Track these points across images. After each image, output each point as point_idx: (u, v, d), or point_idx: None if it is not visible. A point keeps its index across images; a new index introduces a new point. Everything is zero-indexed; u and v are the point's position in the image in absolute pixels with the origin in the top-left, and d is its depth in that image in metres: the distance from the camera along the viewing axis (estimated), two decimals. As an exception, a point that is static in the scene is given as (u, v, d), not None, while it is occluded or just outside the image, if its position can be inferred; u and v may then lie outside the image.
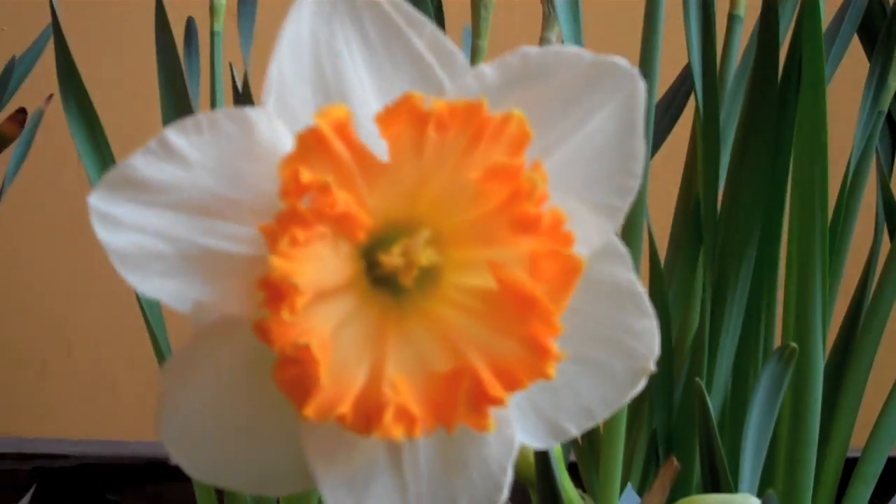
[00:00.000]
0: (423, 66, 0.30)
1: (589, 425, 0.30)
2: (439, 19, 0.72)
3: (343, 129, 0.26)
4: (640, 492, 0.54)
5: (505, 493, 0.28)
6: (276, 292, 0.25)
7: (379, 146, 0.27)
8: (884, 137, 0.71)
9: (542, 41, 0.79)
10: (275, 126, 0.28)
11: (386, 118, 0.27)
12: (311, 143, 0.26)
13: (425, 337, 0.28)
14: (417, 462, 0.29)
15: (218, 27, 0.75)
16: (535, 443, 0.30)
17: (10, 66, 0.78)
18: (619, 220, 0.30)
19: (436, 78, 0.30)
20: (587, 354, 0.30)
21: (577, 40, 0.61)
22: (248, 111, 0.27)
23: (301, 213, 0.25)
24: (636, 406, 0.61)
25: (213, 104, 0.74)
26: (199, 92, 0.76)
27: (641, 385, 0.30)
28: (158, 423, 0.28)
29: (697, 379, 0.50)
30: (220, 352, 0.27)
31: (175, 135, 0.26)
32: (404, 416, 0.26)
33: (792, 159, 0.56)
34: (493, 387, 0.27)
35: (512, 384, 0.27)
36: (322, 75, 0.29)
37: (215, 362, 0.28)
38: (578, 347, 0.30)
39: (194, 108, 0.73)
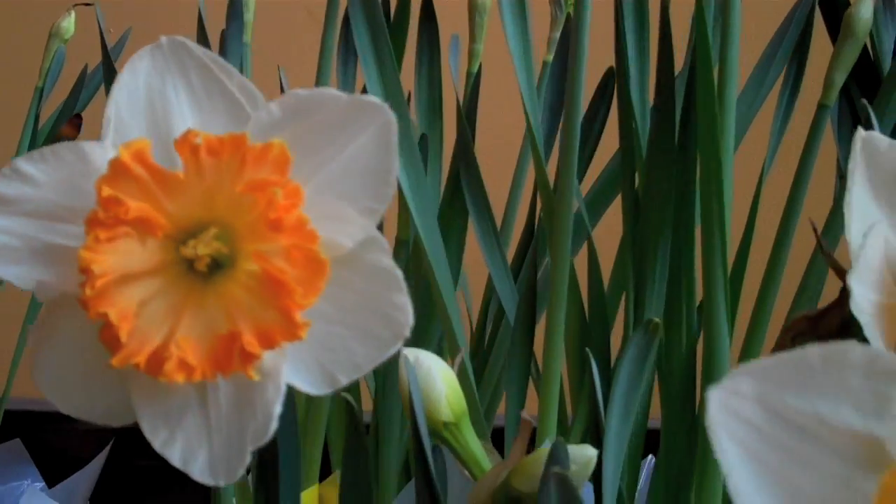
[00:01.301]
0: (235, 104, 0.40)
1: (356, 376, 0.40)
2: (431, 26, 0.81)
3: (141, 156, 0.37)
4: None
5: (274, 424, 0.38)
6: (84, 276, 0.36)
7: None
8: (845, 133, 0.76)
9: (550, 42, 0.87)
10: (107, 154, 0.38)
11: (177, 147, 0.37)
12: (116, 168, 0.37)
13: (215, 308, 0.38)
14: (218, 402, 0.39)
15: (247, 38, 0.87)
16: (315, 390, 0.39)
17: (83, 74, 0.91)
18: (378, 219, 0.40)
19: (245, 113, 0.40)
20: (360, 322, 0.40)
21: (524, 40, 0.69)
22: (83, 144, 0.38)
23: (101, 219, 0.36)
24: (580, 381, 0.69)
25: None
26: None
27: (399, 346, 0.40)
28: (33, 374, 0.39)
29: (587, 349, 0.58)
30: (67, 318, 0.38)
31: (24, 163, 0.37)
32: (184, 365, 0.37)
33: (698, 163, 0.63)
34: (253, 345, 0.37)
35: (269, 344, 0.37)
36: (154, 115, 0.40)
37: (65, 325, 0.39)
38: (353, 317, 0.40)
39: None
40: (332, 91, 0.39)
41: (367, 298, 0.40)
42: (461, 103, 0.82)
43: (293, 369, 0.39)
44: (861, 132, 0.40)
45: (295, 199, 0.37)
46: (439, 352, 0.72)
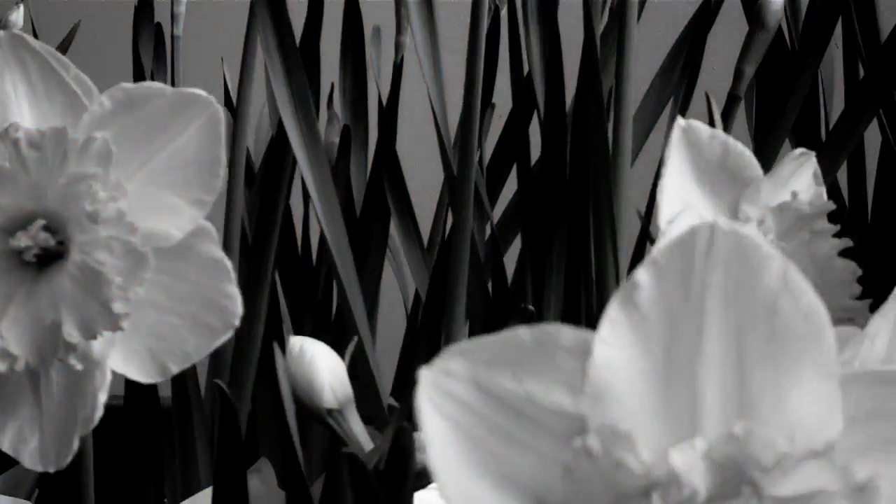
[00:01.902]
0: (73, 96, 0.41)
1: (186, 365, 0.41)
2: (355, 19, 0.83)
3: (-35, 151, 0.38)
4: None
5: (100, 412, 0.39)
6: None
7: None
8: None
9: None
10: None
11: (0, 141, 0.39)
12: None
13: (43, 299, 0.39)
14: (51, 390, 0.40)
15: (178, 31, 0.88)
16: (145, 378, 0.41)
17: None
18: (207, 210, 0.41)
19: (82, 105, 0.41)
20: (192, 311, 0.41)
21: (432, 41, 0.71)
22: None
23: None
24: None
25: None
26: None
27: (230, 335, 0.41)
28: None
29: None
30: None
31: None
32: (5, 355, 0.38)
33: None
34: (73, 335, 0.38)
35: (90, 334, 0.38)
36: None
37: None
38: (185, 306, 0.41)
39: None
40: (157, 84, 0.40)
41: (198, 288, 0.41)
42: (382, 95, 0.83)
43: (124, 358, 0.41)
44: (680, 121, 0.41)
45: (115, 192, 0.38)
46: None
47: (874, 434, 0.26)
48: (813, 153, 0.45)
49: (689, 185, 0.41)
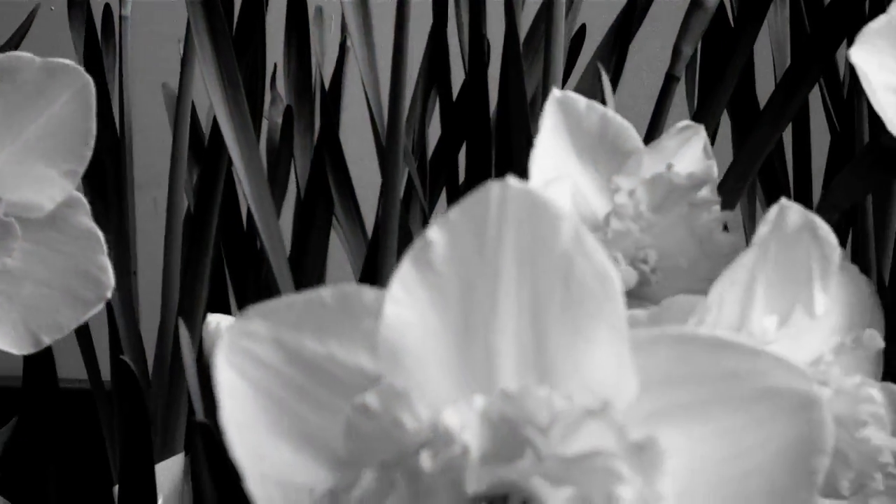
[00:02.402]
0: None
1: (59, 336, 0.41)
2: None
3: None
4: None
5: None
6: None
7: None
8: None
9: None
10: None
11: None
12: None
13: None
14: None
15: (126, 11, 0.88)
16: (18, 350, 0.41)
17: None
18: (78, 180, 0.41)
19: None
20: (65, 283, 0.41)
21: (368, 41, 0.70)
22: None
23: None
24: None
25: (120, 86, 0.86)
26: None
27: (101, 306, 0.41)
28: None
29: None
30: None
31: None
32: None
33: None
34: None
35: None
36: None
37: None
38: (59, 278, 0.41)
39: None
40: (26, 55, 0.40)
41: (72, 260, 0.41)
42: (325, 76, 0.83)
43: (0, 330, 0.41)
44: (555, 92, 0.41)
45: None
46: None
47: (672, 399, 0.26)
48: (701, 126, 0.45)
49: (567, 156, 0.41)
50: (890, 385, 0.37)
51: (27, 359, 0.49)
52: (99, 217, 0.86)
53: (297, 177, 0.85)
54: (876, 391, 0.35)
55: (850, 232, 0.68)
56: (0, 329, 0.40)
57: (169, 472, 0.80)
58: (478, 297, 0.25)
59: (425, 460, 0.23)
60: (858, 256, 0.67)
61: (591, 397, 0.24)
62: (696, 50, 0.81)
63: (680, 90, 0.80)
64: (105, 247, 0.41)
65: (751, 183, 0.76)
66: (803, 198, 0.81)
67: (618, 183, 0.40)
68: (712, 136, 0.80)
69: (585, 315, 0.25)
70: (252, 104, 0.84)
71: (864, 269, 0.67)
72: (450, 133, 0.78)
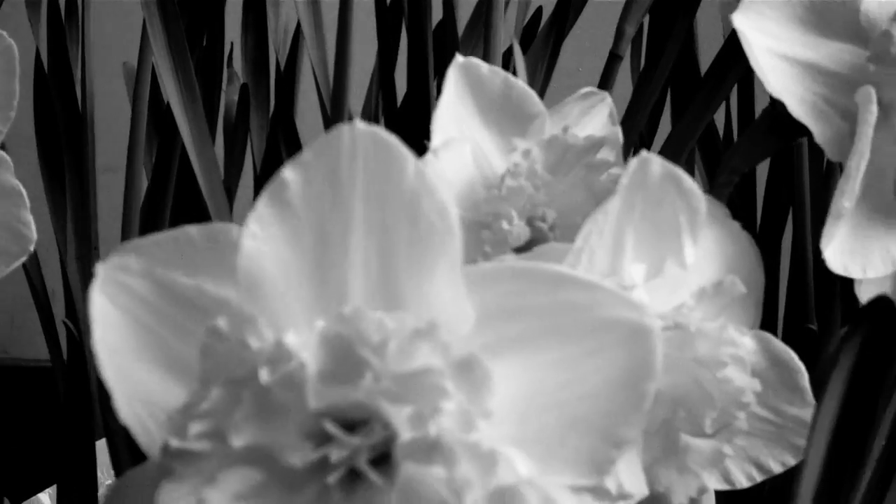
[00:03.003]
0: None
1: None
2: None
3: None
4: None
5: None
6: None
7: None
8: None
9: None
10: None
11: None
12: None
13: None
14: None
15: (86, -6, 0.90)
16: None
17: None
18: (2, 139, 0.43)
19: None
20: (-8, 239, 0.43)
21: (319, 38, 0.72)
22: None
23: None
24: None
25: (83, 65, 0.88)
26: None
27: (24, 258, 0.43)
28: None
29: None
30: None
31: None
32: None
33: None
34: None
35: None
36: None
37: None
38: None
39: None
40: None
41: (-3, 215, 0.43)
42: (280, 54, 0.84)
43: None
44: (458, 58, 0.43)
45: None
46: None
47: (512, 329, 0.28)
48: (605, 93, 0.47)
49: (471, 119, 0.43)
50: (763, 333, 0.39)
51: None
52: (57, 194, 0.88)
53: (253, 154, 0.87)
54: (745, 337, 0.37)
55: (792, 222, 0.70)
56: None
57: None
58: (330, 232, 0.27)
59: (264, 374, 0.25)
60: (798, 247, 0.69)
61: (438, 325, 0.26)
62: (641, 29, 0.83)
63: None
64: (28, 203, 0.43)
65: (690, 155, 0.78)
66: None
67: (515, 143, 0.42)
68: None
69: (428, 249, 0.27)
70: (210, 84, 0.86)
71: (803, 259, 0.69)
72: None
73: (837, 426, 0.30)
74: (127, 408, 0.28)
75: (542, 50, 0.79)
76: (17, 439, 0.77)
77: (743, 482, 0.39)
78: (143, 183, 0.83)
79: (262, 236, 0.27)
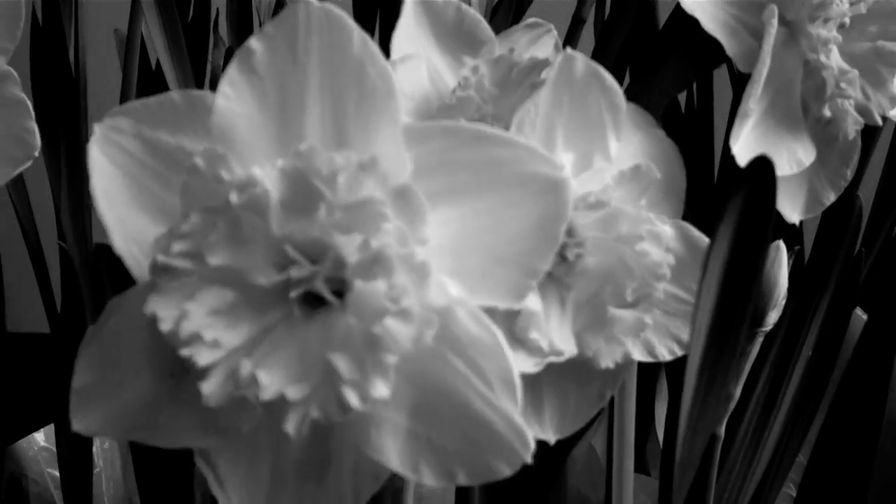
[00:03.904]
0: None
1: (-10, 190, 0.48)
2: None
3: None
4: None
5: None
6: None
7: None
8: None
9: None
10: None
11: None
12: None
13: None
14: None
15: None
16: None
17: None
18: (9, 56, 0.48)
19: None
20: (1, 146, 0.48)
21: None
22: None
23: None
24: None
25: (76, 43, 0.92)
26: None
27: (29, 163, 0.48)
28: None
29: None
30: None
31: None
32: None
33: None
34: None
35: None
36: None
37: None
38: (-9, 142, 0.48)
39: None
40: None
41: (4, 126, 0.48)
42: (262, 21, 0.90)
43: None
44: (415, -11, 0.48)
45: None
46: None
47: (446, 181, 0.33)
48: (550, 25, 0.52)
49: (426, 41, 0.48)
50: (681, 222, 0.45)
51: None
52: (53, 153, 0.93)
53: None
54: (664, 225, 0.42)
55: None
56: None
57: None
58: (290, 92, 0.32)
59: (233, 197, 0.30)
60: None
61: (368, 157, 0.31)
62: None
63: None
64: (33, 114, 0.48)
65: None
66: (706, 135, 0.89)
67: (464, 61, 0.47)
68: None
69: (372, 106, 0.32)
70: (198, 48, 0.92)
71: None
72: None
73: (725, 275, 0.35)
74: (122, 244, 0.33)
75: (505, 13, 0.85)
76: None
77: (665, 355, 0.44)
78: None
79: (232, 96, 0.32)
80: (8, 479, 0.81)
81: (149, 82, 0.94)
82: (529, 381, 0.43)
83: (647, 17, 0.85)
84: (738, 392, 0.55)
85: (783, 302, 0.54)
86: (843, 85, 0.44)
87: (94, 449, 0.81)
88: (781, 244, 0.53)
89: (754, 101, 0.43)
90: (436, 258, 0.32)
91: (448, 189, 0.33)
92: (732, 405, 0.55)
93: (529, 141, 0.33)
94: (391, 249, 0.30)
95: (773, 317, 0.54)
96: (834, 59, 0.44)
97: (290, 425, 0.30)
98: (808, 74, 0.45)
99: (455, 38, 0.49)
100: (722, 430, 0.55)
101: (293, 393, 0.30)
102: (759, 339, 0.55)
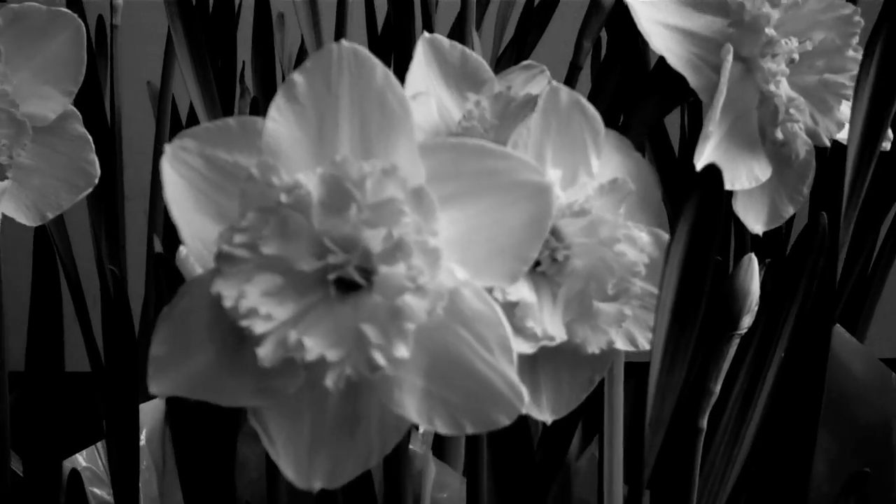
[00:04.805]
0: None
1: (59, 212, 0.56)
2: (264, 7, 0.98)
3: None
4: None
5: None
6: None
7: None
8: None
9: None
10: None
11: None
12: None
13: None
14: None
15: (117, 21, 1.04)
16: (30, 223, 0.56)
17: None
18: (72, 98, 0.56)
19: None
20: (64, 175, 0.56)
21: (318, 38, 0.86)
22: None
23: None
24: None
25: (111, 95, 1.01)
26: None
27: (90, 190, 0.56)
28: None
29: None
30: None
31: None
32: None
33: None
34: (-30, 181, 0.53)
35: (-17, 180, 0.54)
36: None
37: None
38: (60, 171, 0.56)
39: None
40: (34, 4, 0.55)
41: (68, 157, 0.56)
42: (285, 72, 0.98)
43: (15, 208, 0.56)
44: (425, 34, 0.56)
45: (3, 78, 0.54)
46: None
47: (453, 187, 0.41)
48: (543, 66, 0.60)
49: (436, 81, 0.56)
50: (656, 229, 0.52)
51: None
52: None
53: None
54: (641, 232, 0.50)
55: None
56: (16, 209, 0.56)
57: (151, 412, 0.95)
58: (326, 115, 0.40)
59: (283, 198, 0.38)
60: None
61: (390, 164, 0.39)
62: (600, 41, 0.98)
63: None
64: (93, 147, 0.56)
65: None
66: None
67: (468, 96, 0.55)
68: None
69: (392, 126, 0.40)
70: (226, 96, 1.01)
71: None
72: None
73: (685, 260, 0.43)
74: (189, 241, 0.41)
75: (507, 61, 0.93)
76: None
77: (645, 345, 0.52)
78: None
79: (279, 119, 0.40)
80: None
81: (179, 129, 1.02)
82: (528, 368, 0.50)
83: (637, 61, 0.94)
84: (717, 388, 0.62)
85: (755, 308, 0.61)
86: (791, 111, 0.52)
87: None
88: (753, 256, 0.61)
89: (713, 125, 0.51)
90: (446, 249, 0.40)
91: (455, 193, 0.41)
92: (713, 400, 0.63)
93: (522, 154, 0.41)
94: (409, 237, 0.38)
95: (746, 321, 0.62)
96: (783, 89, 0.52)
97: (330, 381, 0.38)
98: (763, 103, 0.53)
99: (460, 78, 0.57)
100: (704, 423, 0.62)
101: (332, 355, 0.38)
102: (736, 342, 0.62)
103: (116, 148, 1.01)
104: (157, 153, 0.91)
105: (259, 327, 0.38)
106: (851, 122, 0.50)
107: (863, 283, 0.91)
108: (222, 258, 0.39)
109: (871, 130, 0.51)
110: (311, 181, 0.39)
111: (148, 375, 0.40)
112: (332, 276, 0.39)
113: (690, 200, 0.42)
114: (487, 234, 0.41)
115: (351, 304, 0.39)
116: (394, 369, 0.39)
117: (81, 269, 0.90)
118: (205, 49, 0.85)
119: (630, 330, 0.51)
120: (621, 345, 0.51)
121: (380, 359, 0.38)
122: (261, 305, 0.38)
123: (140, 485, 0.91)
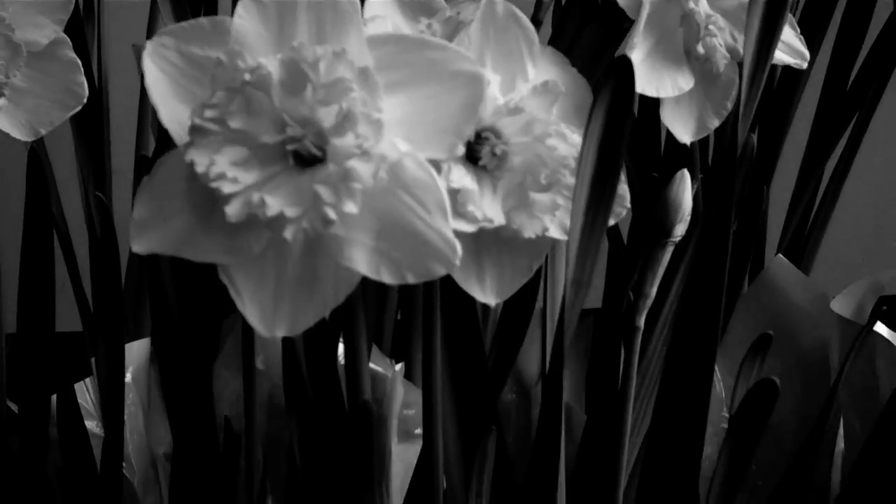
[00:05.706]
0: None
1: (51, 128, 0.63)
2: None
3: None
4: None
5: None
6: None
7: None
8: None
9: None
10: None
11: None
12: None
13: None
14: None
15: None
16: (24, 137, 0.62)
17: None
18: (63, 25, 0.63)
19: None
20: (55, 95, 0.63)
21: None
22: None
23: None
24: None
25: (98, 58, 1.08)
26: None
27: (79, 108, 0.63)
28: None
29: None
30: None
31: None
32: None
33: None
34: (-28, 97, 0.60)
35: (-17, 97, 0.60)
36: None
37: None
38: (50, 92, 0.63)
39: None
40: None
41: (59, 79, 0.63)
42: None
43: (11, 125, 0.62)
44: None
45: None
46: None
47: (397, 75, 0.47)
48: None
49: (392, 10, 0.63)
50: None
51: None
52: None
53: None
54: (574, 134, 0.56)
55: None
56: (12, 125, 0.62)
57: (137, 352, 1.02)
58: (285, 15, 0.47)
59: (247, 76, 0.45)
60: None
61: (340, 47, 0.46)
62: None
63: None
64: (82, 69, 0.63)
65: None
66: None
67: (420, 20, 0.62)
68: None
69: (343, 18, 0.47)
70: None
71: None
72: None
73: (601, 139, 0.49)
74: (169, 123, 0.48)
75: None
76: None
77: (578, 236, 0.58)
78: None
79: (245, 16, 0.47)
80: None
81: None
82: (473, 256, 0.57)
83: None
84: (653, 291, 0.69)
85: (688, 218, 0.68)
86: (710, 26, 0.59)
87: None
88: (686, 172, 0.68)
89: (637, 37, 0.58)
90: (392, 127, 0.46)
91: (399, 81, 0.47)
92: (649, 303, 0.70)
93: (457, 46, 0.48)
94: (356, 109, 0.45)
95: (679, 229, 0.68)
96: (702, 6, 0.59)
97: (289, 233, 0.45)
98: (685, 20, 0.60)
99: (415, 7, 0.64)
100: (641, 322, 0.69)
101: (290, 212, 0.45)
102: (670, 248, 0.69)
103: (103, 116, 1.07)
104: (143, 115, 0.97)
105: (227, 188, 0.45)
106: (747, 29, 0.57)
107: (807, 219, 0.99)
108: (195, 130, 0.45)
109: (765, 35, 0.58)
110: (272, 64, 0.46)
111: (130, 237, 0.47)
112: (290, 147, 0.46)
113: (605, 87, 0.49)
114: (428, 117, 0.48)
115: (308, 173, 0.46)
116: (345, 227, 0.45)
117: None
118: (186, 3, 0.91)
119: (563, 219, 0.58)
120: (555, 232, 0.58)
121: (331, 214, 0.44)
122: (228, 171, 0.45)
123: (126, 418, 0.97)
